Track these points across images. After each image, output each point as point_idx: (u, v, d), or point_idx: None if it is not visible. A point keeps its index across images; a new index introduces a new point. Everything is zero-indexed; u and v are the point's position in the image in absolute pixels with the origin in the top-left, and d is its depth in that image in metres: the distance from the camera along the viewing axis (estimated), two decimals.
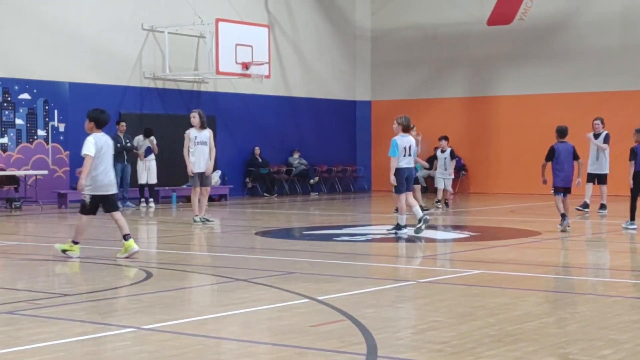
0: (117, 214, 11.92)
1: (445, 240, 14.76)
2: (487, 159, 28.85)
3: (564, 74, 27.97)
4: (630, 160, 15.84)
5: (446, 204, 21.59)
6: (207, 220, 17.19)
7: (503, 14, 29.03)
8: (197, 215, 17.11)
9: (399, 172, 14.86)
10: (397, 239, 14.48)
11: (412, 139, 15.12)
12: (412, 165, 15.20)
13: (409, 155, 14.96)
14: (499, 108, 28.94)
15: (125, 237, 11.83)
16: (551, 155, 15.51)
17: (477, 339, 6.72)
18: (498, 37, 29.10)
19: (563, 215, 15.47)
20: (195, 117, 17.09)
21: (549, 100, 28.12)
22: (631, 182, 15.81)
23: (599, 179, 19.69)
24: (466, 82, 29.88)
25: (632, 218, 15.92)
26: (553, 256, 12.93)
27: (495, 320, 7.39)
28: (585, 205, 19.50)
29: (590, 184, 19.74)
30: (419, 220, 14.75)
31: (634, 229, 15.76)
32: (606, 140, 19.69)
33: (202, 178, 17.09)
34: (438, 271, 11.36)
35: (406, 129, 14.96)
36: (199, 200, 17.14)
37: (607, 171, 19.69)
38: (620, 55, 27.05)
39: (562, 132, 15.68)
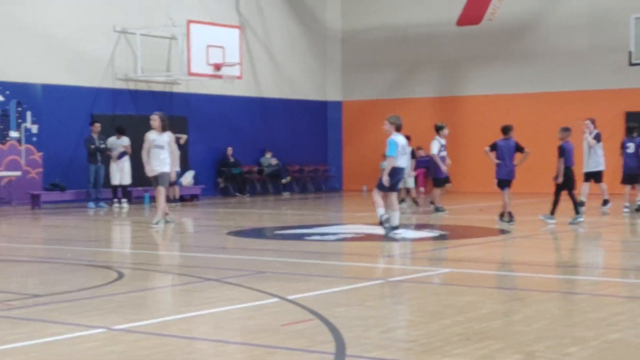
0: None
1: (414, 239, 14.86)
2: (456, 158, 28.93)
3: (532, 73, 28.19)
4: (559, 157, 16.44)
5: (416, 203, 21.75)
6: (167, 222, 16.98)
7: (472, 15, 29.22)
8: (158, 218, 16.83)
9: (394, 171, 14.55)
10: (386, 237, 14.28)
11: (405, 138, 14.86)
12: (406, 165, 15.13)
13: (405, 154, 14.90)
14: (469, 108, 29.13)
15: None
16: (493, 148, 16.98)
17: (446, 337, 6.80)
18: (467, 37, 29.27)
19: (510, 214, 16.82)
20: (155, 120, 16.87)
21: (518, 99, 28.33)
22: (561, 178, 16.44)
23: (595, 177, 19.82)
24: (436, 82, 30.03)
25: (553, 212, 16.67)
26: (521, 254, 13.06)
27: (464, 319, 7.48)
28: (581, 204, 19.64)
29: (587, 184, 19.86)
30: (384, 222, 14.52)
31: (553, 223, 16.44)
32: (597, 139, 19.85)
33: (157, 178, 16.80)
34: (407, 270, 11.44)
35: (399, 128, 14.62)
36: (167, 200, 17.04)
37: (602, 168, 19.84)
38: (587, 55, 27.30)
39: (504, 130, 17.09)
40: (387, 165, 14.51)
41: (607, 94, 26.87)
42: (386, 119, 14.74)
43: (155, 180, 16.83)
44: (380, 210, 14.65)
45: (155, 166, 16.68)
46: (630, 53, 25.29)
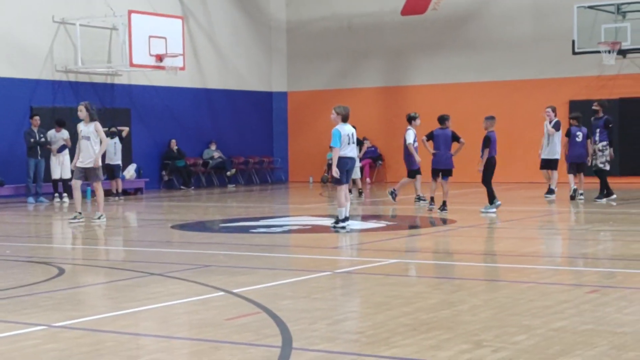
0: None
1: (361, 230, 14.80)
2: (402, 148, 29.06)
3: (477, 63, 28.33)
4: (485, 147, 16.54)
5: (360, 193, 21.72)
6: (94, 220, 16.31)
7: (416, 4, 29.25)
8: (78, 212, 16.27)
9: (341, 161, 14.10)
10: (335, 230, 14.03)
11: (352, 128, 14.37)
12: (355, 155, 14.60)
13: (353, 143, 14.27)
14: (415, 97, 29.17)
15: None
16: (430, 137, 17.30)
17: (393, 328, 6.74)
18: (412, 27, 29.32)
19: (432, 199, 17.37)
20: (81, 111, 16.20)
21: (464, 88, 28.46)
22: (482, 167, 16.59)
23: (550, 164, 19.94)
24: (382, 72, 30.05)
25: (491, 202, 16.74)
26: (468, 244, 13.07)
27: (411, 309, 7.42)
28: (550, 191, 19.77)
29: (545, 171, 19.99)
30: (342, 220, 14.17)
31: (494, 212, 16.56)
32: (556, 127, 19.95)
33: (86, 173, 16.15)
34: (354, 261, 11.39)
35: (345, 119, 14.17)
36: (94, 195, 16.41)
37: (558, 157, 19.96)
38: (532, 44, 27.50)
39: (440, 119, 17.34)
40: (333, 156, 14.18)
41: (551, 83, 27.10)
42: (333, 109, 14.40)
43: (80, 173, 16.10)
44: (342, 211, 14.18)
45: (85, 159, 16.05)
46: (573, 42, 25.55)
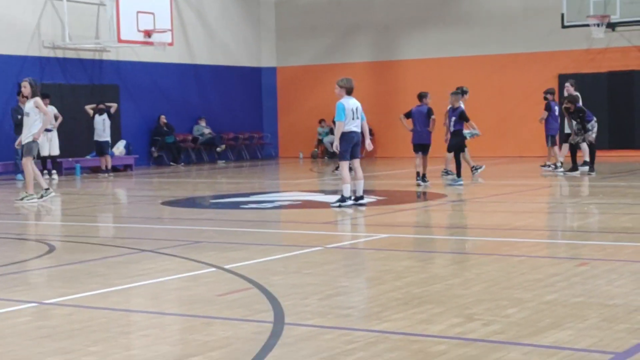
0: None
1: (352, 205, 14.78)
2: (393, 123, 28.94)
3: (468, 37, 28.27)
4: (464, 120, 17.39)
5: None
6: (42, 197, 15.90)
7: None
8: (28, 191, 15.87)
9: (346, 136, 13.61)
10: (334, 207, 13.65)
11: (357, 101, 13.76)
12: (359, 129, 13.85)
13: (357, 118, 13.72)
14: (405, 72, 29.12)
15: None
16: (408, 115, 17.75)
17: (384, 302, 6.74)
18: (402, 1, 29.20)
19: (418, 174, 17.40)
20: (25, 87, 15.71)
21: (453, 63, 28.40)
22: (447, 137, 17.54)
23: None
24: (371, 47, 29.95)
25: (459, 174, 17.33)
26: (459, 218, 13.09)
27: (402, 284, 7.43)
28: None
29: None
30: (349, 198, 13.73)
31: (460, 184, 17.04)
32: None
33: (23, 149, 15.87)
34: (345, 236, 11.39)
35: (349, 91, 13.67)
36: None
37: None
38: (521, 17, 27.45)
39: (418, 96, 17.83)
40: (337, 130, 13.63)
41: (541, 56, 27.07)
42: (336, 82, 13.90)
43: (22, 151, 15.87)
44: (347, 187, 13.71)
45: (26, 135, 15.64)
46: (562, 15, 25.50)
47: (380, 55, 29.82)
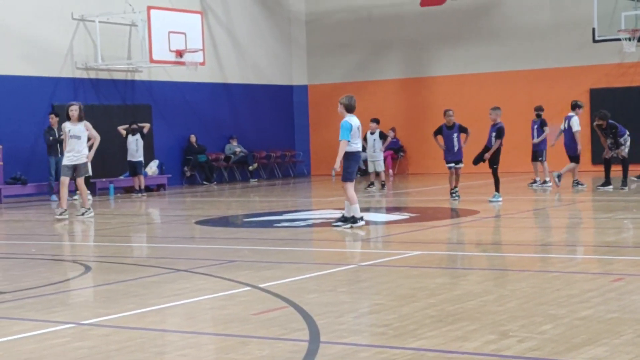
0: None
1: (384, 222, 14.80)
2: (425, 140, 28.94)
3: (497, 52, 28.24)
4: (499, 137, 17.04)
5: (382, 186, 21.73)
6: (85, 213, 17.05)
7: None
8: (62, 209, 16.90)
9: (353, 156, 13.36)
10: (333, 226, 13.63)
11: (358, 120, 13.44)
12: (360, 148, 13.66)
13: (359, 137, 13.49)
14: (435, 88, 29.11)
15: None
16: (438, 132, 17.95)
17: (419, 320, 6.75)
18: (432, 17, 29.24)
19: (452, 189, 17.72)
20: (76, 110, 16.87)
21: (484, 79, 28.37)
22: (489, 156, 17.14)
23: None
24: (402, 63, 29.98)
25: (497, 190, 17.21)
26: (491, 234, 13.05)
27: (436, 301, 7.43)
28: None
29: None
30: (349, 219, 13.49)
31: (499, 201, 16.96)
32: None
33: (76, 169, 16.87)
34: (378, 254, 11.39)
35: (350, 109, 13.28)
36: (82, 191, 17.24)
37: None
38: (551, 32, 27.38)
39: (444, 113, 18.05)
40: (340, 149, 13.18)
41: (572, 71, 26.99)
42: (339, 101, 13.42)
43: (73, 171, 16.87)
44: (357, 208, 13.39)
45: (76, 156, 16.78)
46: (593, 30, 25.41)
47: (410, 72, 29.84)
